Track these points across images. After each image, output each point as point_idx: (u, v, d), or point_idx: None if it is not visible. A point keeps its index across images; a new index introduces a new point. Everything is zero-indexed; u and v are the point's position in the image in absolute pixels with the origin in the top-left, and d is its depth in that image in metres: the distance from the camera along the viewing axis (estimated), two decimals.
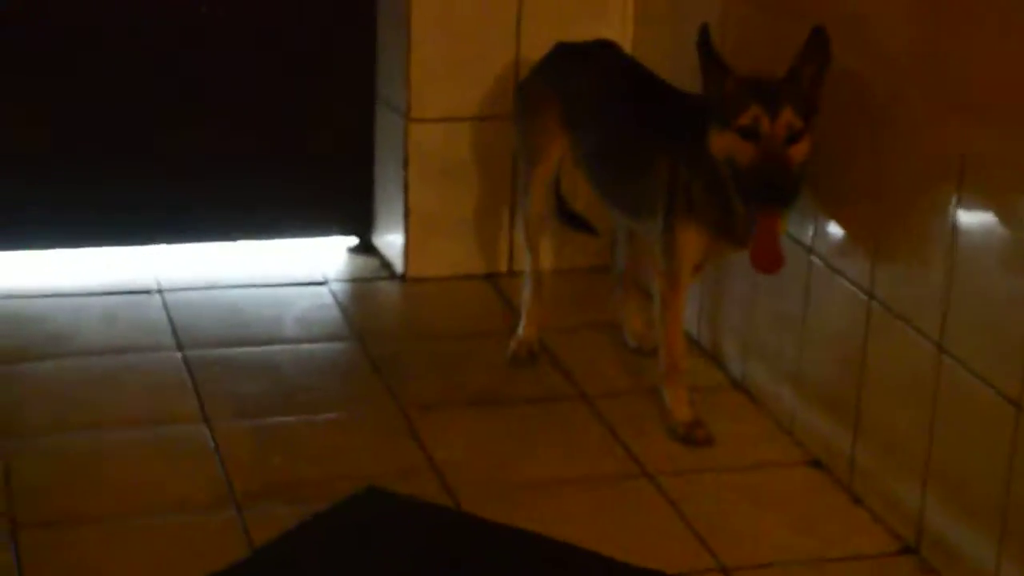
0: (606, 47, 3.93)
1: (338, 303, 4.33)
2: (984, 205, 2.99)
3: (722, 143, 3.34)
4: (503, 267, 4.54)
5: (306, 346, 4.07)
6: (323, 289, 4.41)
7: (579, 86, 3.83)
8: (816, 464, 3.57)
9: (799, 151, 3.29)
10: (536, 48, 4.30)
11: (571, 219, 4.13)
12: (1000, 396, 2.94)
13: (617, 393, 3.87)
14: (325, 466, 3.49)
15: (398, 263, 4.51)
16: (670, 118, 3.59)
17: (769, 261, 3.37)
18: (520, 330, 4.05)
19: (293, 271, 4.50)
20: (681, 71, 3.88)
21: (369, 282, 4.50)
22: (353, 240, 4.68)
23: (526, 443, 3.63)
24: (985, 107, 3.00)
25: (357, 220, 4.66)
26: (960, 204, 3.04)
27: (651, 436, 3.66)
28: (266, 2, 4.44)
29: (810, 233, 3.55)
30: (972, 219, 3.02)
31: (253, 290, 4.37)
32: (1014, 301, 2.91)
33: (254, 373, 3.90)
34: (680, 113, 3.58)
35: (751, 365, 3.87)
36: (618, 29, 4.38)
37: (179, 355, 3.97)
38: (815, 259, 3.55)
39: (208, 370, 3.90)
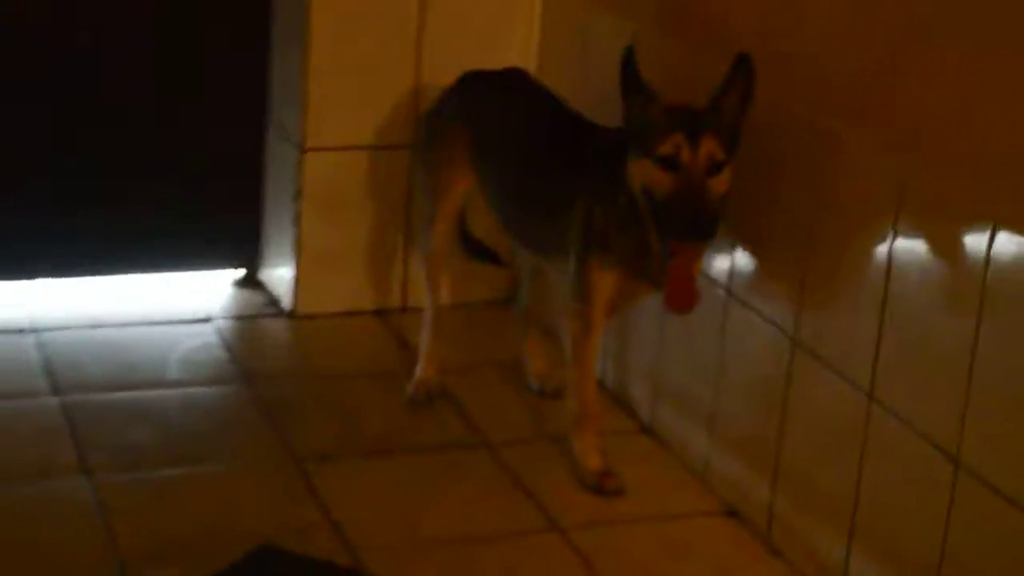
0: (517, 76, 3.75)
1: (224, 342, 4.10)
2: (921, 244, 2.85)
3: (639, 172, 3.17)
4: (396, 303, 4.34)
5: (192, 390, 3.84)
6: (208, 327, 4.18)
7: (489, 117, 3.65)
8: (732, 514, 3.41)
9: (720, 183, 3.14)
10: (437, 75, 4.13)
11: (477, 251, 3.95)
12: (937, 450, 2.80)
13: (521, 440, 3.69)
14: (216, 523, 3.26)
15: (286, 299, 4.29)
16: (584, 153, 3.41)
17: (683, 300, 3.21)
18: (418, 371, 3.85)
19: (177, 307, 4.26)
20: (588, 101, 3.73)
21: (256, 319, 4.27)
22: (239, 273, 4.46)
23: (429, 496, 3.43)
24: (923, 142, 2.86)
25: (244, 253, 4.43)
26: (895, 243, 2.90)
27: (559, 486, 3.48)
28: (150, 30, 4.20)
29: (727, 271, 3.40)
30: (908, 259, 2.88)
31: (135, 329, 4.13)
32: (952, 349, 2.77)
33: (138, 420, 3.66)
34: (594, 147, 3.41)
35: (661, 409, 3.71)
36: (522, 56, 4.21)
37: (56, 400, 3.72)
38: (733, 299, 3.40)
39: (88, 417, 3.65)
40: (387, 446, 3.62)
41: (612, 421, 3.73)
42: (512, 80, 3.74)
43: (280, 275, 4.32)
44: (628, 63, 3.21)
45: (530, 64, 4.21)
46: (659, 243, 3.20)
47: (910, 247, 2.87)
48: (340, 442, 3.62)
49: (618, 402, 3.83)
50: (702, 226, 3.10)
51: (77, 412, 3.66)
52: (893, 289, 2.92)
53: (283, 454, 3.55)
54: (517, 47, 4.22)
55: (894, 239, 2.90)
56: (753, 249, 3.33)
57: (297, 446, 3.58)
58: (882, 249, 2.93)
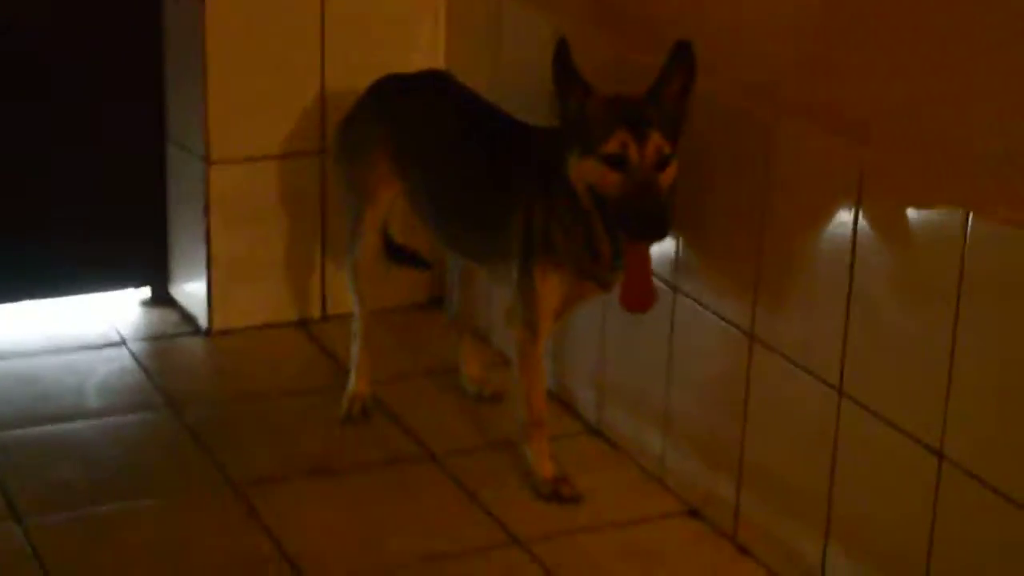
0: (437, 77, 3.62)
1: (141, 365, 3.92)
2: (887, 232, 2.78)
3: (584, 171, 3.05)
4: (316, 312, 4.20)
5: (115, 419, 3.66)
6: (122, 350, 4.00)
7: (411, 122, 3.50)
8: (694, 513, 3.33)
9: (667, 177, 3.03)
10: (342, 77, 4.01)
11: (401, 256, 3.82)
12: (918, 444, 2.74)
13: (467, 449, 3.57)
14: (162, 562, 3.11)
15: (201, 315, 4.12)
16: (518, 153, 3.29)
17: (641, 300, 3.09)
18: (351, 385, 3.72)
19: (86, 332, 4.07)
20: (502, 98, 3.61)
21: (171, 339, 4.10)
22: (146, 292, 4.28)
23: (381, 516, 3.30)
24: (881, 124, 2.80)
25: (151, 270, 4.25)
26: (858, 232, 2.82)
27: (514, 497, 3.38)
28: (37, 41, 4.00)
29: (671, 266, 3.31)
30: (873, 248, 2.80)
31: (45, 358, 3.93)
32: (928, 339, 2.70)
33: (62, 456, 3.48)
34: (528, 147, 3.29)
35: (608, 410, 3.62)
36: (428, 56, 4.08)
37: None
38: (680, 295, 3.31)
39: (8, 456, 3.47)
40: (329, 465, 3.48)
41: (556, 424, 3.61)
42: (432, 82, 3.60)
43: (192, 291, 4.15)
44: (562, 55, 3.09)
45: (437, 63, 4.09)
46: (608, 243, 3.10)
47: (874, 236, 2.80)
48: (279, 464, 3.48)
49: (560, 403, 3.73)
50: (656, 224, 2.99)
51: None
52: (858, 280, 2.84)
53: (220, 481, 3.40)
54: (424, 46, 4.10)
55: (855, 228, 2.83)
56: (700, 243, 3.24)
57: (234, 472, 3.43)
58: (844, 239, 2.85)
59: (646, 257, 3.07)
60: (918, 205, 2.71)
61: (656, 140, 3.00)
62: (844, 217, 2.85)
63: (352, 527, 3.25)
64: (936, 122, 2.72)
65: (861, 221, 2.82)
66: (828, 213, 2.89)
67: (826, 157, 2.90)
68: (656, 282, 3.25)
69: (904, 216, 2.73)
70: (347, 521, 3.27)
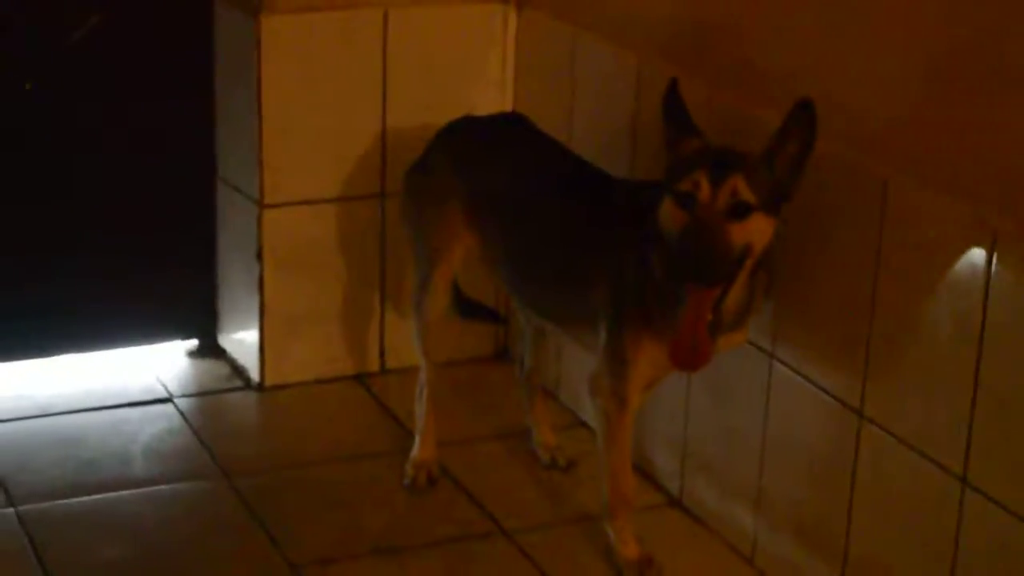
0: (515, 121, 3.36)
1: (189, 424, 3.68)
2: (1021, 295, 2.51)
3: (662, 213, 2.81)
4: (374, 366, 3.95)
5: (163, 488, 3.41)
6: (168, 407, 3.75)
7: (488, 171, 3.24)
8: None
9: (744, 230, 2.75)
10: (404, 117, 3.77)
11: (472, 310, 3.57)
12: None
13: (540, 524, 3.32)
14: None
15: (252, 368, 3.88)
16: (606, 209, 3.03)
17: (689, 354, 2.80)
18: (415, 451, 3.47)
19: (130, 386, 3.83)
20: (577, 145, 3.36)
21: (220, 394, 3.85)
22: (192, 343, 4.03)
23: None
24: (1007, 184, 2.54)
25: (199, 320, 4.01)
26: (988, 305, 2.56)
27: None
28: (87, 81, 3.76)
29: (770, 335, 3.05)
30: (1004, 321, 2.54)
31: (87, 416, 3.69)
32: None
33: (107, 530, 3.24)
34: (618, 202, 3.03)
35: (692, 480, 3.36)
36: (496, 94, 3.83)
37: (10, 512, 3.28)
38: (777, 364, 3.05)
39: (49, 531, 3.22)
40: (393, 543, 3.23)
41: (635, 494, 3.35)
42: (509, 127, 3.34)
43: (243, 343, 3.91)
44: (671, 96, 2.84)
45: (506, 102, 3.84)
46: (671, 291, 2.84)
47: (1007, 309, 2.54)
48: (340, 542, 3.22)
49: (638, 470, 3.46)
50: (708, 269, 2.71)
51: (35, 526, 3.23)
52: (987, 358, 2.58)
53: (278, 561, 3.15)
54: (491, 84, 3.85)
55: (986, 300, 2.56)
56: (803, 308, 2.97)
57: (291, 550, 3.18)
58: (971, 309, 2.59)
59: (703, 308, 2.78)
60: None
61: (735, 185, 2.73)
62: (972, 286, 2.58)
63: None
64: None
65: (992, 290, 2.55)
66: (953, 281, 2.62)
67: (952, 219, 2.63)
68: (749, 347, 3.02)
69: None
70: None
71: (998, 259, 2.54)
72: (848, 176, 2.83)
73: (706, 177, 2.74)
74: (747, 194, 2.74)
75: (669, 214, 2.79)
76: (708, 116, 3.04)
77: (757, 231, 2.77)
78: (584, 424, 3.70)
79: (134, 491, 3.39)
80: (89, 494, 3.36)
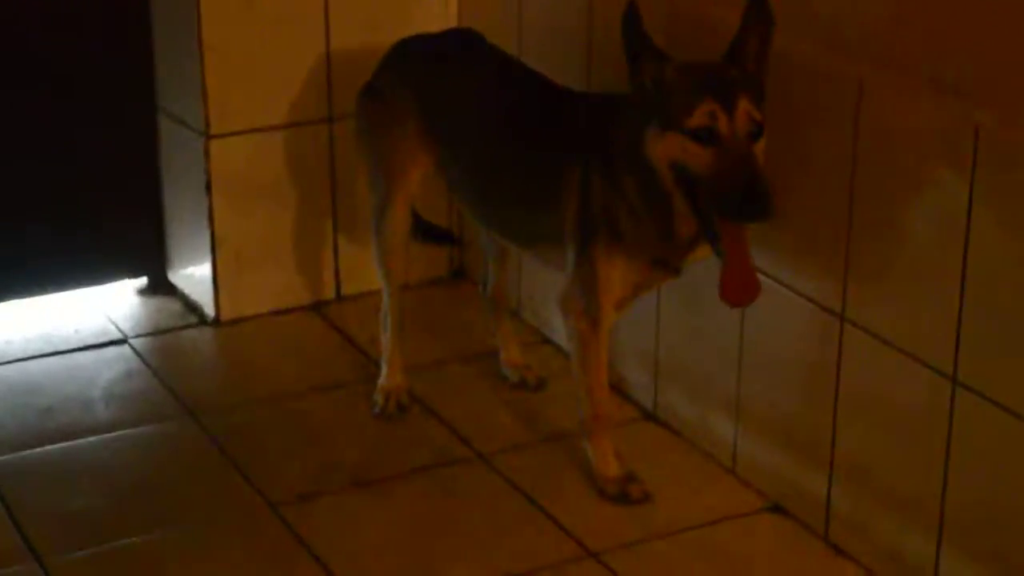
0: (469, 37, 3.27)
1: (147, 365, 3.59)
2: (1007, 191, 2.47)
3: (668, 148, 2.71)
4: (330, 293, 3.88)
5: (128, 432, 3.33)
6: (124, 349, 3.66)
7: (444, 89, 3.16)
8: (778, 509, 3.05)
9: (761, 150, 2.69)
10: (349, 38, 3.67)
11: (429, 233, 3.51)
12: None
13: (517, 446, 3.27)
14: None
15: (207, 304, 3.79)
16: (569, 124, 2.96)
17: (744, 291, 2.74)
18: (383, 378, 3.41)
19: (82, 329, 3.73)
20: (529, 62, 3.27)
21: (176, 332, 3.76)
22: (142, 281, 3.93)
23: (435, 532, 3.00)
24: (997, 82, 2.49)
25: (147, 257, 3.91)
26: (973, 201, 2.52)
27: (578, 500, 3.08)
28: (11, 15, 3.62)
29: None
30: (990, 218, 2.50)
31: (42, 362, 3.60)
32: None
33: (75, 480, 3.16)
34: (580, 117, 2.96)
35: (666, 392, 3.32)
36: (439, 12, 3.73)
37: None
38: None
39: (15, 482, 3.14)
40: (369, 474, 3.17)
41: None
42: (463, 43, 3.25)
43: (195, 278, 3.81)
44: (631, 19, 2.75)
45: (449, 18, 3.75)
46: (694, 226, 2.77)
47: (993, 205, 2.50)
48: (316, 477, 3.16)
49: (610, 385, 3.40)
50: (762, 202, 2.63)
51: (1, 478, 3.15)
52: (974, 254, 2.54)
53: (256, 500, 3.09)
54: (433, 2, 3.75)
55: (971, 195, 2.52)
56: (780, 216, 2.92)
57: (268, 488, 3.12)
58: (956, 205, 2.55)
59: (745, 241, 2.73)
60: None
61: (746, 107, 2.66)
62: (956, 182, 2.54)
63: (406, 547, 2.95)
64: None
65: (977, 187, 2.51)
66: (936, 178, 2.58)
67: (932, 115, 2.58)
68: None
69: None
70: (399, 539, 2.97)
71: (980, 154, 2.50)
72: (822, 77, 2.78)
73: (719, 106, 2.66)
74: (757, 113, 2.68)
75: (685, 151, 2.69)
76: (666, 20, 2.98)
77: (763, 147, 2.72)
78: (550, 341, 3.65)
79: (98, 437, 3.30)
80: (52, 443, 3.27)
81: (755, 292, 2.75)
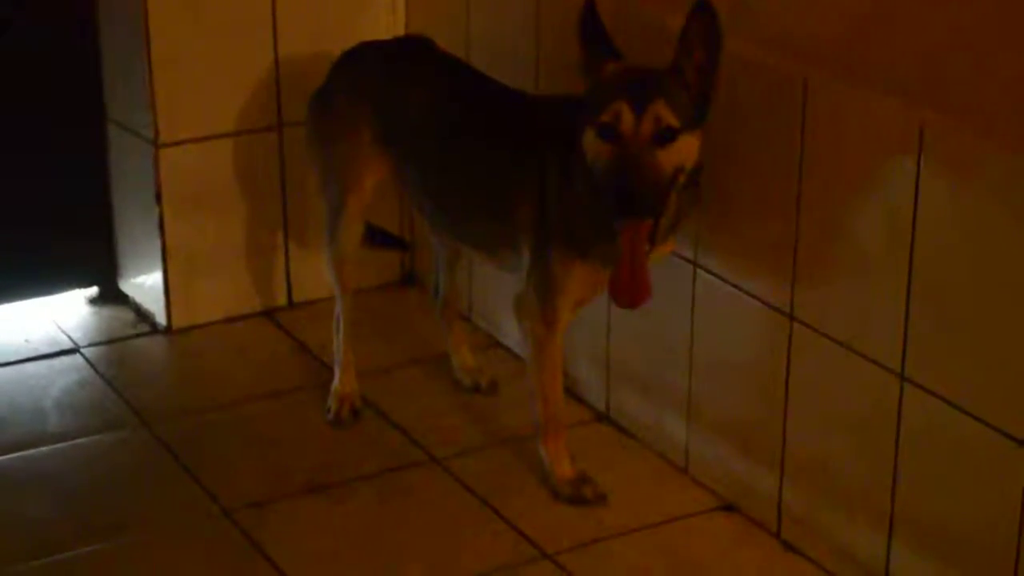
0: (420, 44, 3.28)
1: (99, 374, 3.58)
2: (952, 198, 2.51)
3: (585, 143, 2.77)
4: (282, 300, 3.88)
5: (80, 441, 3.32)
6: (76, 358, 3.65)
7: (396, 97, 3.17)
8: (730, 508, 3.08)
9: (671, 155, 2.71)
10: (297, 45, 3.68)
11: (380, 239, 3.52)
12: (999, 434, 2.49)
13: (471, 449, 3.29)
14: None
15: (158, 312, 3.78)
16: (524, 130, 2.98)
17: (631, 292, 2.76)
18: (336, 384, 3.41)
19: (32, 339, 3.72)
20: (478, 67, 3.29)
21: (128, 340, 3.76)
22: (92, 290, 3.92)
23: (390, 535, 3.01)
24: (942, 79, 2.52)
25: (97, 266, 3.90)
26: (919, 200, 2.55)
27: (532, 502, 3.10)
28: None
29: (693, 244, 3.03)
30: (937, 217, 2.53)
31: None
32: (1002, 315, 2.45)
33: (28, 489, 3.15)
34: (534, 121, 2.98)
35: (618, 394, 3.34)
36: (389, 17, 3.75)
37: None
38: (702, 272, 3.04)
39: None
40: (323, 479, 3.18)
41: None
42: (414, 50, 3.27)
43: (146, 286, 3.81)
44: (588, 16, 2.78)
45: (397, 25, 3.77)
46: (605, 223, 2.79)
47: (938, 203, 2.54)
48: (271, 483, 3.16)
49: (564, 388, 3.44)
50: (636, 201, 2.67)
51: None
52: (920, 252, 2.58)
53: (210, 507, 3.09)
54: (381, 8, 3.76)
55: (917, 194, 2.56)
56: (724, 216, 2.96)
57: (222, 495, 3.12)
58: (902, 204, 2.58)
59: (639, 243, 2.74)
60: (989, 166, 2.44)
61: (657, 111, 2.69)
62: (902, 181, 2.57)
63: (362, 551, 2.96)
64: (1011, 73, 2.43)
65: (923, 187, 2.55)
66: (882, 177, 2.62)
67: (877, 115, 2.61)
68: (671, 258, 3.00)
69: (974, 180, 2.47)
70: (354, 543, 2.98)
71: (926, 152, 2.54)
72: (766, 77, 2.81)
73: (627, 106, 2.70)
74: (670, 118, 2.70)
75: (593, 146, 2.74)
76: (619, 28, 2.99)
77: (685, 151, 2.74)
78: (501, 344, 3.67)
79: (51, 447, 3.30)
80: (4, 453, 3.26)
81: (644, 295, 2.76)
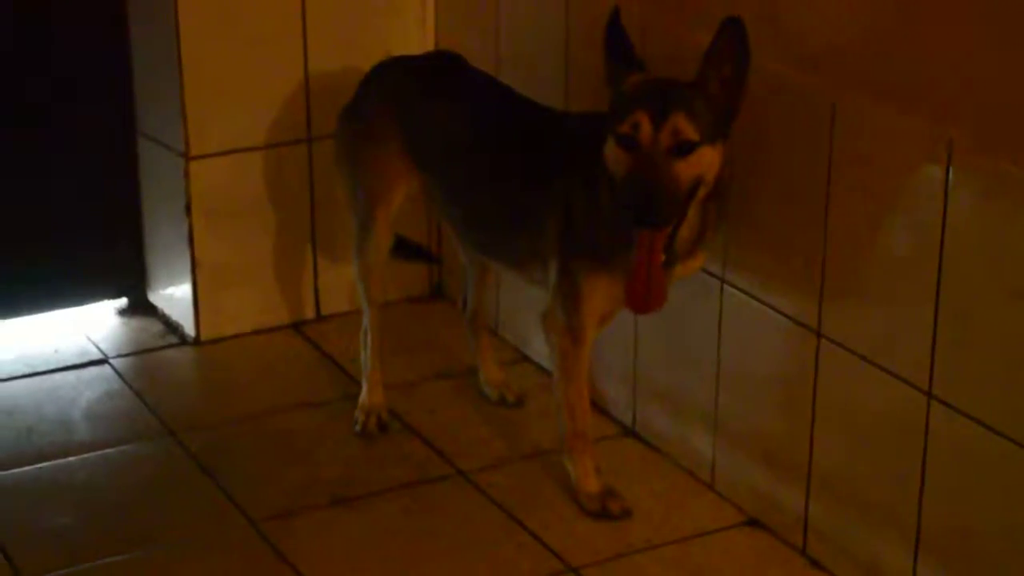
0: (449, 59, 3.30)
1: (128, 385, 3.60)
2: (981, 220, 2.51)
3: (606, 153, 2.78)
4: (310, 313, 3.89)
5: (108, 452, 3.34)
6: (105, 369, 3.67)
7: (425, 111, 3.18)
8: (755, 523, 3.07)
9: (690, 166, 2.72)
10: (327, 60, 3.71)
11: (409, 252, 3.53)
12: (1014, 444, 2.49)
13: (497, 463, 3.29)
14: None
15: (187, 324, 3.80)
16: (550, 144, 2.99)
17: (644, 298, 2.77)
18: (363, 396, 3.42)
19: (62, 350, 3.74)
20: (507, 83, 3.29)
21: (156, 352, 3.78)
22: (122, 302, 3.94)
23: (415, 547, 3.01)
24: (969, 99, 2.52)
25: (127, 278, 3.92)
26: (947, 218, 2.55)
27: (558, 516, 3.10)
28: None
29: (721, 260, 3.04)
30: (965, 236, 2.53)
31: (21, 383, 3.61)
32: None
33: (55, 499, 3.17)
34: (561, 136, 2.99)
35: (645, 409, 3.35)
36: (417, 34, 3.76)
37: None
38: (729, 288, 3.04)
39: None
40: (351, 491, 3.19)
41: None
42: (444, 65, 3.28)
43: (175, 298, 3.83)
44: (613, 27, 2.79)
45: (426, 40, 3.78)
46: (623, 232, 2.80)
47: (966, 221, 2.53)
48: (296, 493, 3.18)
49: (591, 402, 3.43)
50: (651, 210, 2.68)
51: None
52: (948, 271, 2.58)
53: (236, 518, 3.10)
54: (412, 22, 3.78)
55: (945, 213, 2.56)
56: (752, 231, 2.96)
57: (249, 506, 3.13)
58: (930, 223, 2.58)
59: (655, 251, 2.75)
60: (1017, 184, 2.44)
61: (677, 123, 2.69)
62: (930, 200, 2.57)
63: (386, 562, 2.97)
64: None
65: (951, 208, 2.55)
66: (910, 196, 2.62)
67: (905, 134, 2.61)
68: (700, 274, 3.00)
69: (1001, 197, 2.46)
70: (379, 555, 2.99)
71: (954, 171, 2.54)
72: (796, 95, 2.81)
73: (647, 117, 2.71)
74: (689, 131, 2.71)
75: (613, 155, 2.75)
76: (644, 42, 3.00)
77: (705, 164, 2.74)
78: (528, 359, 3.68)
79: (80, 457, 3.31)
80: (33, 463, 3.28)
81: (658, 301, 2.78)
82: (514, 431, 3.40)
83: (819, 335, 2.85)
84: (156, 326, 3.87)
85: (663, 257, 2.77)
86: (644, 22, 3.07)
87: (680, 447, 3.26)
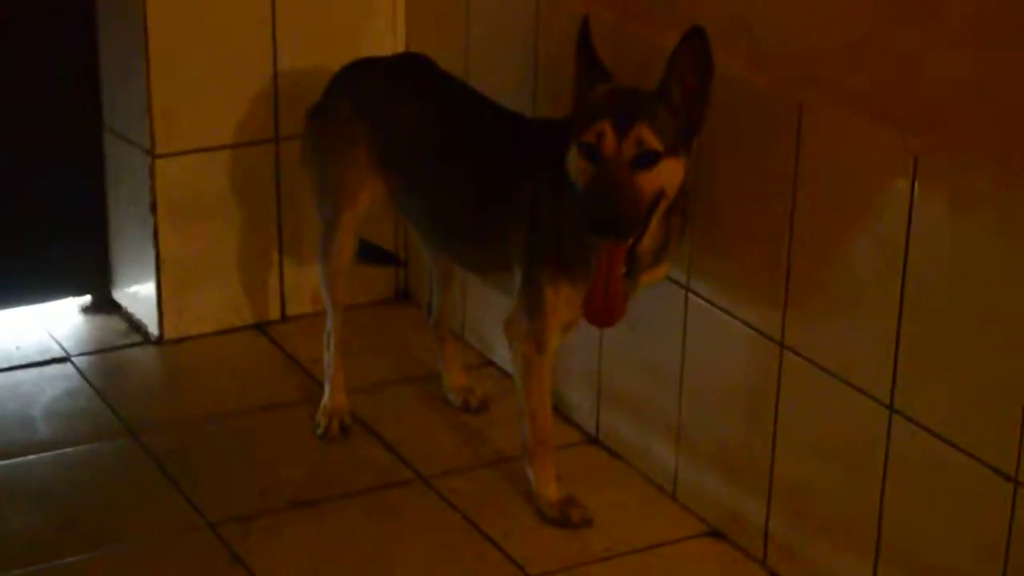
0: (418, 62, 3.28)
1: (90, 383, 3.58)
2: (946, 229, 2.50)
3: (568, 161, 2.77)
4: (275, 314, 3.87)
5: (69, 451, 3.31)
6: (67, 367, 3.65)
7: (393, 114, 3.17)
8: (717, 534, 3.07)
9: (653, 178, 2.71)
10: (296, 59, 3.69)
11: (373, 255, 3.51)
12: (987, 467, 2.48)
13: (460, 469, 3.28)
14: None
15: (151, 322, 3.78)
16: (517, 149, 2.98)
17: (602, 311, 2.76)
18: (326, 399, 3.41)
19: (24, 346, 3.71)
20: (476, 86, 3.28)
21: (119, 350, 3.75)
22: (85, 299, 3.91)
23: (374, 553, 2.99)
24: (936, 110, 2.52)
25: (91, 275, 3.89)
26: (912, 227, 2.54)
27: (518, 523, 3.09)
28: None
29: (685, 268, 3.03)
30: (931, 248, 2.53)
31: None
32: (995, 347, 2.44)
33: (14, 497, 3.15)
34: (527, 142, 2.98)
35: (608, 417, 3.34)
36: (387, 35, 3.75)
37: None
38: (693, 297, 3.03)
39: None
40: (311, 495, 3.17)
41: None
42: (413, 67, 3.27)
43: (139, 297, 3.80)
44: (583, 38, 2.78)
45: (397, 41, 3.77)
46: (584, 242, 2.79)
47: (931, 233, 2.53)
48: (257, 497, 3.16)
49: (553, 409, 3.40)
50: (612, 222, 2.66)
51: None
52: (911, 282, 2.57)
53: (196, 520, 3.08)
54: (381, 22, 3.76)
55: (910, 224, 2.55)
56: (717, 240, 2.95)
57: (208, 508, 3.11)
58: (894, 233, 2.57)
59: (615, 263, 2.74)
60: (983, 198, 2.44)
61: (640, 134, 2.68)
62: (895, 210, 2.57)
63: (346, 568, 2.95)
64: (1007, 107, 2.43)
65: (916, 214, 2.54)
66: (875, 205, 2.61)
67: (872, 142, 2.60)
68: (665, 283, 2.99)
69: (967, 210, 2.46)
70: (338, 560, 2.97)
71: (920, 181, 2.53)
72: (762, 101, 2.80)
73: (610, 127, 2.70)
74: (653, 142, 2.70)
75: (576, 165, 2.75)
76: (614, 46, 2.99)
77: (668, 175, 2.73)
78: (492, 363, 3.66)
79: (39, 455, 3.29)
80: None
81: (617, 315, 2.77)
82: (477, 437, 3.39)
83: (782, 346, 2.85)
84: (120, 324, 3.85)
85: (624, 269, 2.76)
86: (616, 27, 3.06)
87: (643, 456, 3.25)
